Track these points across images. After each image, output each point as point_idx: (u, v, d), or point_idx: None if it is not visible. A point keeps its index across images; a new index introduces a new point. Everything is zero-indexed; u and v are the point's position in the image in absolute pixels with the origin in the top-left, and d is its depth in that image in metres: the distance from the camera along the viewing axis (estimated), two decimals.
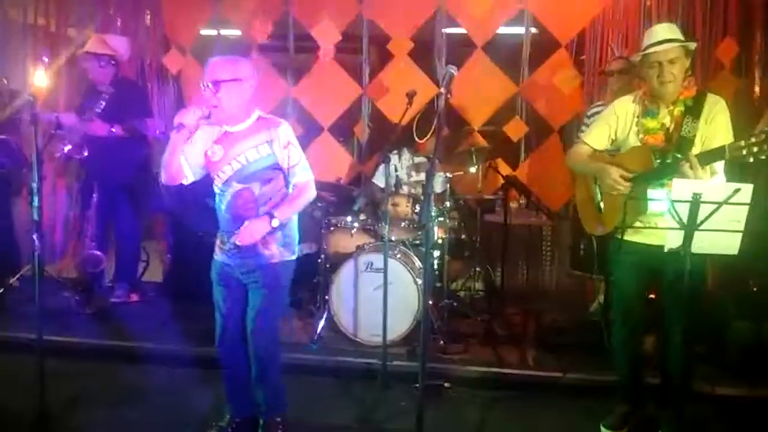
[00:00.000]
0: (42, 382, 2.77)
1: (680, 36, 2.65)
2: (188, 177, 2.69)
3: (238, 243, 2.54)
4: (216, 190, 2.71)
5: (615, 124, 2.82)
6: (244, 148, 2.59)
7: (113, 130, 4.21)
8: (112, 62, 4.34)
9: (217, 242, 2.75)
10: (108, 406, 3.18)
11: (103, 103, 4.19)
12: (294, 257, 2.73)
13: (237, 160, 2.60)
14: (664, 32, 2.66)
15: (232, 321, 2.73)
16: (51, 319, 4.01)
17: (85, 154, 4.17)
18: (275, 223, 2.53)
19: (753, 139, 2.32)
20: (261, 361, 2.69)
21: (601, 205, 2.89)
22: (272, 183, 2.62)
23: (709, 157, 2.48)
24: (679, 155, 2.57)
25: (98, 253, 4.33)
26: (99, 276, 4.51)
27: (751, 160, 2.33)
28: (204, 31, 5.32)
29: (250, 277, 2.67)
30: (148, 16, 5.32)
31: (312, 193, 2.68)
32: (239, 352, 2.74)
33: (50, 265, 4.97)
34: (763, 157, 2.30)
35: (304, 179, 2.65)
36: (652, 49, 2.62)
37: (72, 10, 5.31)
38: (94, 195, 4.35)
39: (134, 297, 4.57)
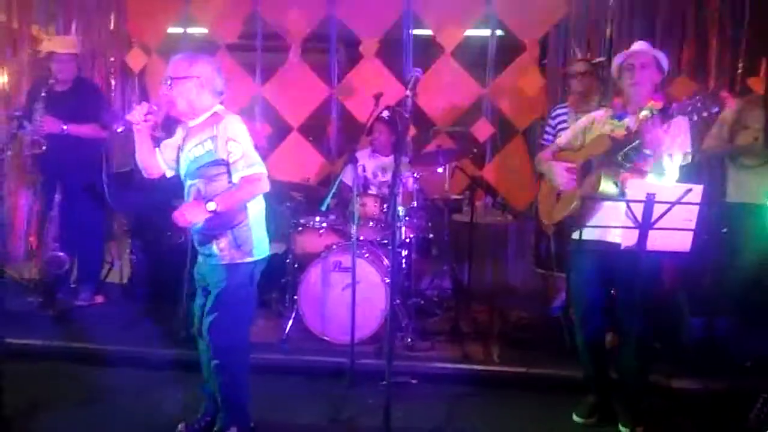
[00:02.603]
0: (2, 386, 2.73)
1: (657, 54, 2.87)
2: (166, 171, 2.77)
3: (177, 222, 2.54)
4: None
5: (585, 128, 3.01)
6: (192, 144, 2.61)
7: (65, 128, 4.15)
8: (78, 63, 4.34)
9: None
10: (71, 409, 3.13)
11: (59, 101, 4.17)
12: (250, 260, 2.63)
13: (187, 156, 2.62)
14: (642, 46, 2.90)
15: (198, 318, 2.74)
16: (13, 321, 3.95)
17: (44, 148, 4.12)
18: (210, 206, 2.45)
19: (697, 96, 2.48)
20: (213, 365, 2.67)
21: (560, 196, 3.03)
22: (218, 181, 2.56)
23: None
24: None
25: (61, 254, 4.24)
26: (62, 277, 4.43)
27: (695, 118, 2.49)
28: (171, 30, 5.28)
29: (206, 276, 2.68)
30: (113, 14, 5.24)
31: (261, 188, 2.57)
32: (203, 349, 2.76)
33: (12, 266, 4.87)
34: (705, 114, 2.46)
35: (249, 173, 2.53)
36: (628, 52, 2.87)
37: (34, 7, 5.21)
38: (56, 194, 4.26)
39: (99, 299, 4.50)
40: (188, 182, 2.64)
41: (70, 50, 4.25)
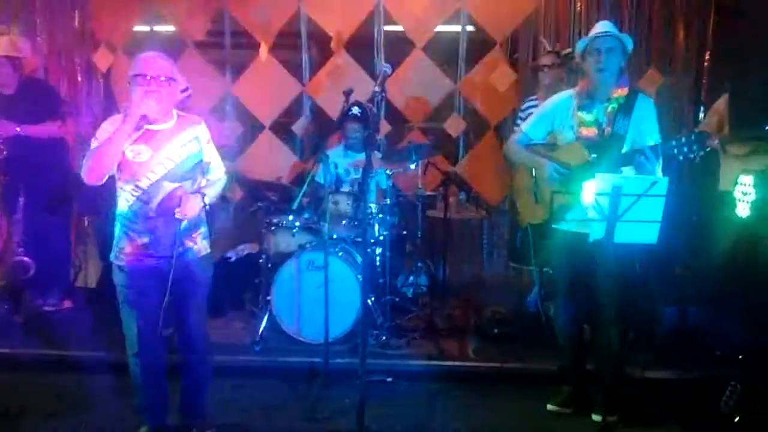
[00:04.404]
0: None
1: (621, 37, 2.84)
2: (106, 175, 2.51)
3: (180, 217, 2.52)
4: (133, 192, 2.53)
5: (553, 116, 2.97)
6: (175, 146, 2.57)
7: (18, 129, 4.03)
8: (21, 64, 4.18)
9: (124, 248, 2.59)
10: (39, 416, 3.05)
11: (8, 105, 4.06)
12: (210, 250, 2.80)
13: (169, 159, 2.55)
14: (606, 27, 2.86)
15: (152, 326, 2.57)
16: None
17: (5, 153, 4.02)
18: (206, 200, 2.60)
19: (683, 139, 2.51)
20: (204, 363, 2.72)
21: (537, 194, 3.02)
22: (197, 180, 2.60)
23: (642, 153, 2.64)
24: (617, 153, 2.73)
25: (27, 259, 4.14)
26: (29, 283, 4.32)
27: (681, 158, 2.51)
28: (137, 28, 5.17)
29: (179, 275, 2.53)
30: (77, 13, 5.12)
31: (224, 183, 2.85)
32: (160, 356, 2.70)
33: None
34: (692, 156, 2.49)
35: (222, 171, 2.80)
36: (594, 35, 2.82)
37: None
38: (20, 198, 4.15)
39: (67, 304, 4.40)
40: (166, 185, 2.53)
41: (9, 53, 4.05)
